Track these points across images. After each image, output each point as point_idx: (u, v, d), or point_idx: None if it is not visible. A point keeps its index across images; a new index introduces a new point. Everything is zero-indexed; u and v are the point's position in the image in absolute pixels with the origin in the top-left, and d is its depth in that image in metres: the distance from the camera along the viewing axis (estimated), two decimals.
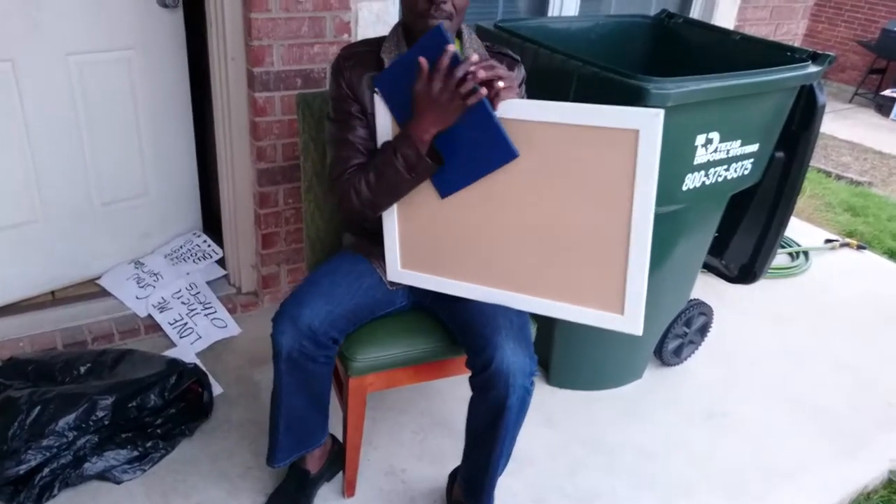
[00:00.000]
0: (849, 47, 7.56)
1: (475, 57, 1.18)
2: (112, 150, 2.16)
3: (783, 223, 2.09)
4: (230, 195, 2.22)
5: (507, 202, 1.29)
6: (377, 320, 1.51)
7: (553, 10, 2.49)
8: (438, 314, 1.54)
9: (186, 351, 2.07)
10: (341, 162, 1.38)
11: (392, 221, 1.39)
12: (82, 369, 1.81)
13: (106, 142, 2.14)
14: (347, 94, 1.38)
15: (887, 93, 6.56)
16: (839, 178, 4.56)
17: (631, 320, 1.29)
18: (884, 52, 6.79)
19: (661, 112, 1.12)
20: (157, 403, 1.74)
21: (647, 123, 1.13)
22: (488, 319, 1.38)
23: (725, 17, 2.81)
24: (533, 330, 1.53)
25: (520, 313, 1.40)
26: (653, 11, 2.36)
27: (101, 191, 2.19)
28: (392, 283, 1.49)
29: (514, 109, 1.21)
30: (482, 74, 1.17)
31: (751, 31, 2.89)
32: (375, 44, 1.42)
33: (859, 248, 3.17)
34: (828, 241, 3.19)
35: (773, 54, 1.94)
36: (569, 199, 1.25)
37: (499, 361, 1.29)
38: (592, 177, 1.21)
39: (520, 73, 1.49)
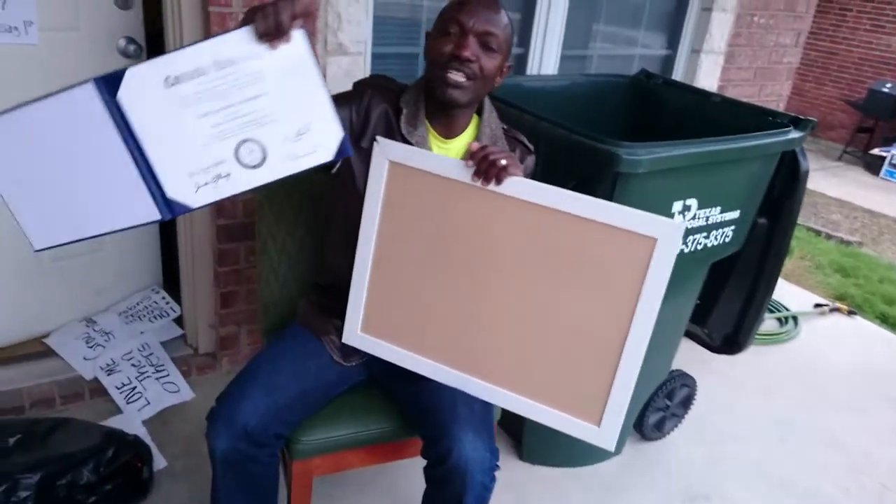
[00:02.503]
0: (836, 106, 7.64)
1: (475, 145, 1.14)
2: None
3: (768, 292, 2.00)
4: (188, 251, 2.11)
5: (498, 282, 1.18)
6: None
7: (532, 69, 2.44)
8: (394, 392, 1.42)
9: (133, 418, 1.94)
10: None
11: (363, 275, 1.25)
12: (11, 441, 1.66)
13: None
14: (354, 117, 1.28)
15: (875, 151, 6.57)
16: (829, 237, 4.49)
17: (606, 434, 1.19)
18: (871, 112, 6.85)
19: (683, 225, 1.06)
20: (90, 480, 1.60)
21: (668, 234, 1.08)
22: (447, 405, 1.26)
23: (708, 76, 2.78)
24: (496, 417, 1.41)
25: (484, 401, 1.28)
26: (634, 71, 2.31)
27: None
28: (345, 356, 1.37)
29: (523, 189, 1.13)
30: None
31: (734, 92, 2.86)
32: (398, 88, 1.33)
33: (850, 313, 3.08)
34: (817, 305, 3.10)
35: (755, 118, 1.88)
36: (567, 293, 1.15)
37: (456, 456, 1.17)
38: (598, 275, 1.13)
39: (529, 162, 1.40)
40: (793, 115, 1.83)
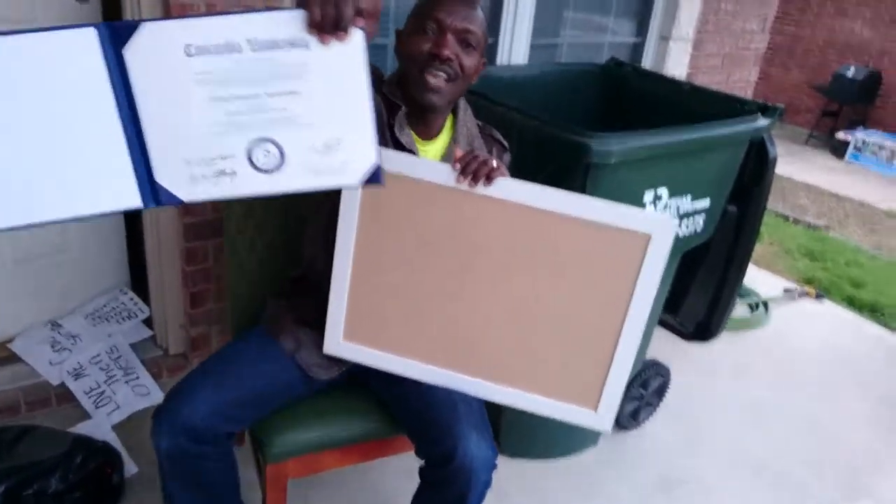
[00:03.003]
0: (802, 90, 7.75)
1: (458, 152, 1.09)
2: None
3: (738, 279, 2.01)
4: (155, 251, 2.06)
5: (489, 279, 1.17)
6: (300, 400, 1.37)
7: (501, 58, 2.42)
8: (378, 392, 1.40)
9: (102, 423, 1.89)
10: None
11: (343, 281, 1.20)
12: None
13: None
14: None
15: (840, 135, 6.69)
16: (797, 221, 4.56)
17: (603, 417, 1.21)
18: (836, 96, 6.96)
19: (676, 221, 1.09)
20: (58, 488, 1.56)
21: (661, 230, 1.08)
22: (446, 405, 1.24)
23: (677, 64, 2.78)
24: None
25: (478, 398, 1.27)
26: (603, 60, 2.30)
27: (14, 247, 2.01)
28: (324, 369, 1.33)
29: (512, 191, 1.10)
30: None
31: (703, 79, 2.87)
32: (379, 78, 1.29)
33: (818, 296, 3.13)
34: (786, 290, 3.14)
35: (723, 106, 1.88)
36: (560, 289, 1.15)
37: (462, 455, 1.15)
38: (591, 272, 1.13)
39: (506, 159, 1.38)
40: (761, 102, 1.85)
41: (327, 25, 0.80)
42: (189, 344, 2.13)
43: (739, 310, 2.90)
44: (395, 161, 1.11)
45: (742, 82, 3.05)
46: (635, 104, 2.13)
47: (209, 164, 0.86)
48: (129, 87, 0.81)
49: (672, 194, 1.66)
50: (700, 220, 1.79)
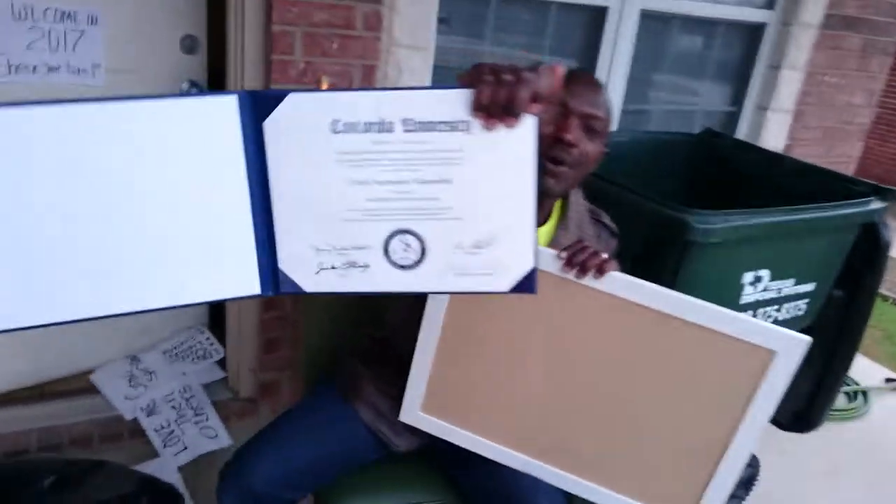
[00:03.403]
0: (887, 164, 7.36)
1: (564, 254, 1.00)
2: None
3: (843, 370, 1.86)
4: None
5: (589, 374, 1.09)
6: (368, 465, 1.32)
7: None
8: (454, 467, 1.33)
9: (169, 463, 1.89)
10: None
11: (427, 354, 1.13)
12: (45, 482, 1.63)
13: None
14: None
15: None
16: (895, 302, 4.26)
17: None
18: None
19: (808, 340, 0.97)
20: None
21: (790, 349, 0.97)
22: (527, 494, 1.17)
23: (775, 136, 2.67)
24: None
25: (560, 490, 1.18)
26: (697, 130, 2.23)
27: None
28: (398, 438, 1.28)
29: (625, 287, 1.02)
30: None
31: (801, 151, 2.74)
32: None
33: None
34: (889, 380, 2.89)
35: (832, 185, 1.78)
36: (666, 394, 1.07)
37: None
38: (703, 381, 1.04)
39: (612, 246, 1.31)
40: (874, 183, 1.73)
41: (496, 109, 0.69)
42: (259, 389, 2.13)
43: (836, 399, 2.68)
44: None
45: (844, 157, 2.90)
46: (732, 178, 2.04)
47: (340, 254, 0.77)
48: (265, 163, 0.74)
49: (774, 277, 1.55)
50: (803, 305, 1.67)
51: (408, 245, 0.76)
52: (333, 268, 0.77)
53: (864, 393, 2.73)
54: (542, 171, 1.10)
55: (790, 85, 2.60)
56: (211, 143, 0.73)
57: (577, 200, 1.26)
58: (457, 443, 1.18)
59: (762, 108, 2.65)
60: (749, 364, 0.99)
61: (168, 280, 0.76)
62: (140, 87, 1.94)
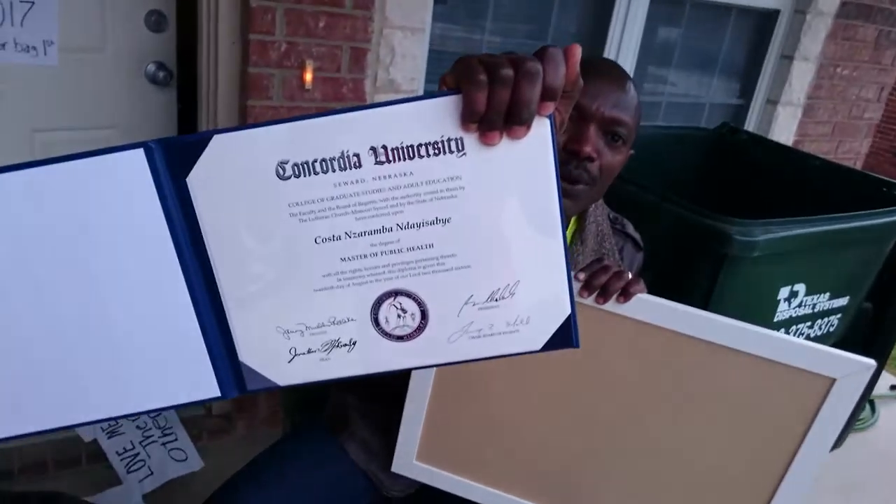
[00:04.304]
0: (885, 158, 7.35)
1: (581, 276, 0.83)
2: None
3: (870, 385, 1.73)
4: None
5: (614, 415, 0.93)
6: None
7: None
8: None
9: (133, 490, 1.70)
10: None
11: (421, 397, 0.97)
12: None
13: None
14: None
15: None
16: None
17: None
18: None
19: (873, 366, 0.81)
20: None
21: (853, 374, 0.83)
22: None
23: (784, 130, 2.53)
24: None
25: None
26: (704, 122, 2.08)
27: None
28: (391, 485, 1.12)
29: (655, 312, 0.86)
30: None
31: (810, 147, 2.61)
32: None
33: None
34: (894, 387, 2.80)
35: (862, 187, 1.63)
36: (706, 433, 0.91)
37: None
38: (747, 417, 0.89)
39: (637, 261, 1.14)
40: None
41: (496, 117, 0.48)
42: (234, 406, 1.94)
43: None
44: None
45: (852, 154, 2.78)
46: (750, 176, 1.89)
47: (316, 333, 0.58)
48: (198, 230, 0.55)
49: (809, 291, 1.41)
50: (835, 320, 1.53)
51: (403, 310, 0.57)
52: (311, 352, 0.58)
53: (872, 402, 2.62)
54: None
55: (802, 77, 2.46)
56: (129, 212, 0.54)
57: (598, 212, 1.08)
58: (460, 494, 1.01)
59: (772, 102, 2.51)
60: (805, 394, 0.85)
61: (94, 391, 0.58)
62: (100, 68, 1.72)
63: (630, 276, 0.84)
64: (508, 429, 0.97)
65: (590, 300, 0.84)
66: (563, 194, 0.88)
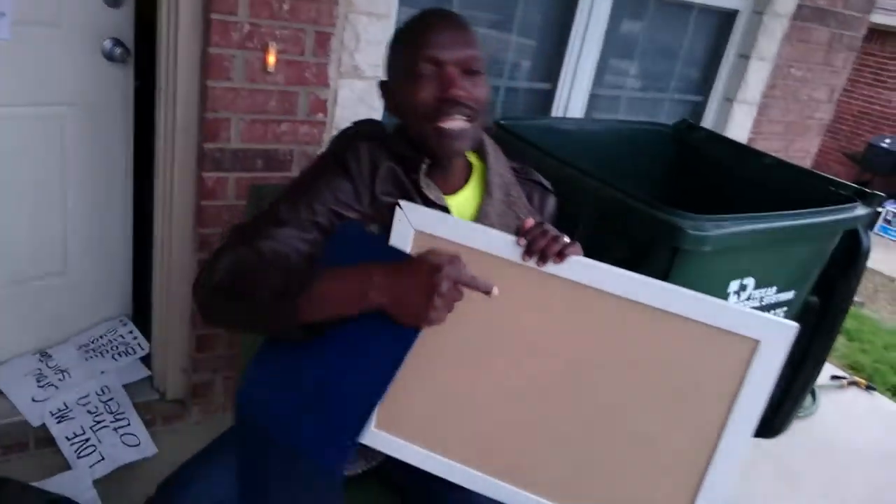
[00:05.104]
0: (833, 157, 7.61)
1: (528, 223, 0.89)
2: (26, 219, 1.80)
3: (812, 377, 1.81)
4: (163, 287, 1.86)
5: (554, 376, 0.95)
6: None
7: (558, 106, 2.24)
8: (410, 494, 1.18)
9: (83, 476, 1.67)
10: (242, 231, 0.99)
11: None
12: None
13: (18, 209, 1.78)
14: (337, 196, 1.00)
15: None
16: None
17: None
18: (869, 167, 6.81)
19: (795, 327, 0.85)
20: None
21: (775, 336, 0.86)
22: None
23: (740, 127, 2.60)
24: None
25: None
26: (664, 118, 2.12)
27: (7, 267, 1.81)
28: (350, 462, 1.13)
29: (589, 273, 0.90)
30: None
31: (763, 145, 2.69)
32: (383, 131, 1.08)
33: (868, 388, 2.91)
34: (834, 377, 2.92)
35: (811, 186, 1.70)
36: (638, 397, 0.93)
37: None
38: (679, 380, 0.91)
39: (550, 204, 1.18)
40: (857, 186, 1.65)
41: None
42: (190, 390, 1.92)
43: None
44: (453, 226, 0.92)
45: (802, 152, 2.87)
46: (706, 172, 1.94)
47: None
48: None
49: (758, 285, 1.46)
50: (781, 314, 1.59)
51: None
52: None
53: (813, 392, 2.73)
54: (443, 137, 0.97)
55: (758, 76, 2.53)
56: None
57: (498, 162, 1.12)
58: (412, 462, 1.03)
59: (728, 100, 2.57)
60: (729, 356, 0.88)
61: None
62: (54, 43, 1.67)
63: (567, 239, 0.88)
64: (458, 398, 0.99)
65: (531, 263, 0.89)
66: (452, 138, 0.96)
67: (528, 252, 0.89)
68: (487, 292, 0.86)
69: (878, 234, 6.29)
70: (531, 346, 0.95)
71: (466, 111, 0.97)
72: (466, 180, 1.09)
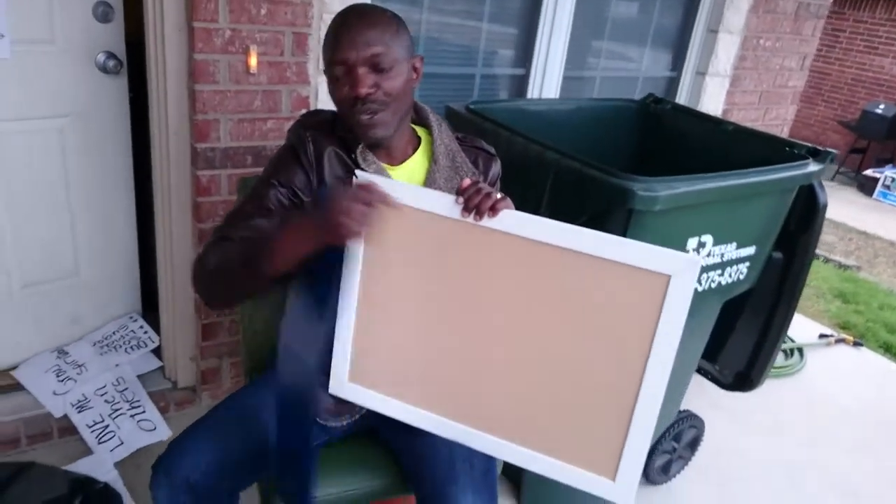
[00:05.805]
0: (829, 126, 7.63)
1: (465, 183, 0.99)
2: (37, 226, 1.93)
3: (783, 329, 1.90)
4: (168, 281, 1.98)
5: (497, 326, 1.06)
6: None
7: (533, 90, 2.35)
8: (392, 442, 1.30)
9: (104, 460, 1.80)
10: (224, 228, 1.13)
11: (348, 320, 1.12)
12: None
13: (29, 217, 1.91)
14: (293, 183, 1.13)
15: (869, 172, 6.55)
16: (826, 260, 4.43)
17: (622, 489, 1.05)
18: (864, 133, 6.84)
19: (699, 260, 0.94)
20: None
21: (682, 270, 0.95)
22: (444, 461, 1.14)
23: (713, 100, 2.69)
24: (498, 469, 1.29)
25: (485, 454, 1.16)
26: (638, 95, 2.22)
27: (22, 271, 1.94)
28: (335, 415, 1.25)
29: (518, 224, 1.00)
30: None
31: (739, 116, 2.78)
32: (332, 118, 1.20)
33: (856, 344, 2.99)
34: (822, 335, 3.01)
35: (770, 149, 1.79)
36: (572, 337, 1.03)
37: None
38: (604, 318, 1.01)
39: (494, 168, 1.29)
40: (810, 145, 1.74)
41: None
42: (199, 377, 2.04)
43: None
44: (399, 190, 1.02)
45: (778, 120, 2.95)
46: (674, 143, 2.04)
47: None
48: None
49: (717, 242, 1.55)
50: (744, 268, 1.68)
51: None
52: None
53: (800, 350, 2.83)
54: (361, 128, 1.09)
55: (727, 49, 2.62)
56: None
57: (443, 133, 1.23)
58: (384, 412, 1.14)
59: (700, 74, 2.66)
60: (645, 292, 0.97)
61: None
62: (51, 59, 1.79)
63: (498, 195, 0.99)
64: (418, 346, 1.10)
65: (470, 219, 1.00)
66: (368, 128, 1.08)
67: (466, 209, 0.99)
68: (386, 203, 0.95)
69: (877, 200, 6.34)
70: (475, 295, 1.05)
71: (374, 106, 1.07)
72: (414, 150, 1.21)
